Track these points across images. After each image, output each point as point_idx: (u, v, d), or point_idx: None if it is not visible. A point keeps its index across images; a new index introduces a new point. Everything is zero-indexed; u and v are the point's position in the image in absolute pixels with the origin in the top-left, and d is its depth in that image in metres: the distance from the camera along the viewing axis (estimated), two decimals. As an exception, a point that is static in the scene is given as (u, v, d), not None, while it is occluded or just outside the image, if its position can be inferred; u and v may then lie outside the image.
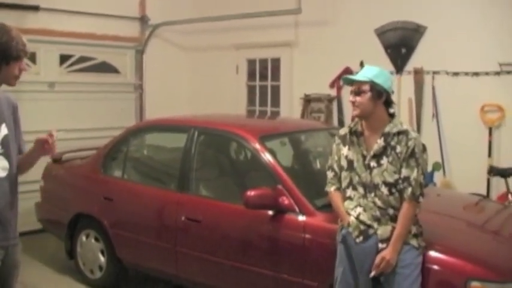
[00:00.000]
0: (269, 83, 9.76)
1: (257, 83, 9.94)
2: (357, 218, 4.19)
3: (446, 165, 7.58)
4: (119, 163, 6.67)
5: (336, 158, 4.44)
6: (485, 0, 7.26)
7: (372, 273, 4.08)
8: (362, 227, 4.17)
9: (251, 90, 10.05)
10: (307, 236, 4.74)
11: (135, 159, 6.89)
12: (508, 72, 7.10)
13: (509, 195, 6.73)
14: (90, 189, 6.67)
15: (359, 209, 4.21)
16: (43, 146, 3.62)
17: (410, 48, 7.90)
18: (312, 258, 4.73)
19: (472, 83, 7.35)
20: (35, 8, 8.46)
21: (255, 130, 5.80)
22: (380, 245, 4.11)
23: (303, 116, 8.96)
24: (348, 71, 8.26)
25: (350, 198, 4.28)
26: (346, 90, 8.32)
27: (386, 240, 4.10)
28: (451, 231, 4.74)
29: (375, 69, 4.27)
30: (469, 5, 7.37)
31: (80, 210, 6.66)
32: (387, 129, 4.19)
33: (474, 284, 3.96)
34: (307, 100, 8.94)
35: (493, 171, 6.95)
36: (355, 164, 4.27)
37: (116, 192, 6.39)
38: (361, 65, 7.95)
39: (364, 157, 4.24)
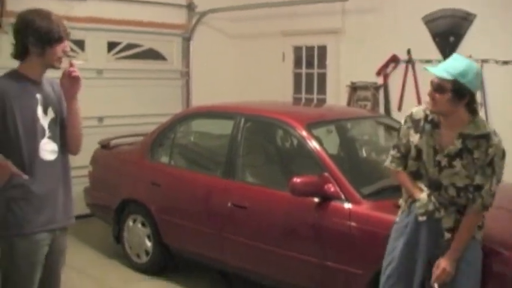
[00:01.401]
0: (315, 70, 9.73)
1: (303, 70, 9.92)
2: (429, 196, 3.94)
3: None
4: (166, 149, 6.72)
5: (404, 140, 4.10)
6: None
7: (436, 286, 3.88)
8: (431, 206, 3.91)
9: (297, 77, 10.02)
10: (353, 223, 4.73)
11: (182, 145, 6.94)
12: (559, 61, 7.00)
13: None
14: (137, 175, 6.74)
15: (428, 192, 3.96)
16: (70, 77, 3.63)
17: (459, 36, 7.80)
18: (358, 246, 4.72)
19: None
20: (84, -3, 8.57)
21: (302, 118, 5.81)
22: (446, 234, 3.91)
23: (349, 103, 8.92)
24: (394, 58, 8.21)
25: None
26: (393, 78, 8.33)
27: (449, 230, 3.90)
28: (503, 223, 4.67)
29: (463, 64, 3.79)
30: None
31: (127, 196, 6.74)
32: (468, 130, 3.83)
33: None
34: (354, 88, 8.89)
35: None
36: (424, 157, 3.96)
37: (163, 178, 6.45)
38: (408, 53, 7.92)
39: (435, 152, 3.92)
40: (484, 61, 7.45)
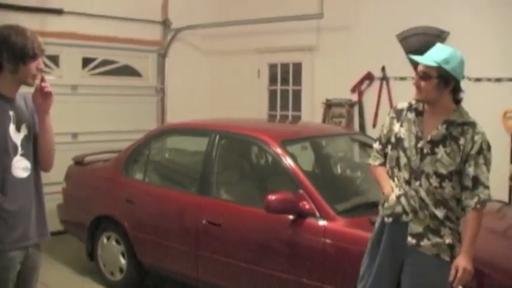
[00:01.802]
0: (290, 87, 9.76)
1: (278, 87, 9.95)
2: (397, 198, 3.97)
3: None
4: (140, 166, 6.70)
5: (385, 131, 4.16)
6: (507, 5, 7.22)
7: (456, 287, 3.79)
8: (398, 209, 3.93)
9: (272, 94, 10.05)
10: (328, 240, 4.73)
11: (157, 162, 6.92)
12: (532, 78, 7.07)
13: (532, 202, 6.69)
14: (111, 191, 6.70)
15: (404, 198, 3.94)
16: (42, 92, 3.60)
17: (433, 54, 7.86)
18: (332, 263, 4.72)
19: (494, 88, 7.30)
20: (59, 12, 8.53)
21: (277, 134, 5.82)
22: (409, 239, 3.90)
23: (324, 120, 8.95)
24: (369, 76, 8.26)
25: (395, 177, 4.04)
26: (368, 95, 8.38)
27: (416, 235, 3.88)
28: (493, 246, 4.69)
29: (447, 51, 3.89)
30: (491, 10, 7.33)
31: (101, 213, 6.69)
32: (452, 117, 3.86)
33: (494, 290, 3.92)
34: (329, 105, 8.93)
35: (515, 177, 6.92)
36: (406, 144, 3.96)
37: (138, 195, 6.42)
38: (383, 70, 7.96)
39: (418, 139, 3.92)
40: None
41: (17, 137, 3.58)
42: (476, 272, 3.95)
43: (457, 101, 3.95)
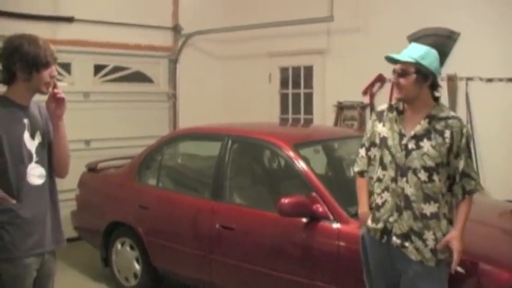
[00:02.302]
0: (302, 90, 9.78)
1: (290, 90, 9.96)
2: (378, 209, 4.08)
3: (480, 172, 7.51)
4: (153, 172, 6.72)
5: (368, 134, 4.29)
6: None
7: (454, 268, 3.86)
8: (370, 223, 4.13)
9: (284, 98, 10.07)
10: (342, 243, 4.73)
11: (170, 167, 6.94)
12: (543, 78, 7.06)
13: (545, 202, 6.66)
14: (125, 197, 6.72)
15: (386, 195, 4.03)
16: (54, 99, 3.63)
17: (444, 55, 7.84)
18: (346, 265, 4.72)
19: (506, 89, 7.30)
20: (70, 20, 8.57)
21: (289, 138, 5.82)
22: (394, 239, 3.98)
23: (336, 123, 8.96)
24: (380, 78, 8.26)
25: (379, 179, 4.10)
26: (379, 98, 8.35)
27: (400, 236, 3.95)
28: (485, 239, 4.71)
29: (422, 49, 4.03)
30: (502, 10, 7.32)
31: (115, 219, 6.71)
32: (433, 112, 3.94)
33: (509, 291, 3.92)
34: (340, 107, 8.93)
35: (529, 177, 6.90)
36: (390, 142, 4.03)
37: (151, 200, 6.43)
38: (394, 72, 7.94)
39: (401, 136, 3.99)
40: (468, 79, 7.52)
41: (31, 144, 3.61)
42: (488, 271, 4.03)
43: (436, 98, 4.05)
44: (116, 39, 9.11)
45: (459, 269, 3.89)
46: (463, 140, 3.88)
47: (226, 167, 5.92)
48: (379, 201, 4.09)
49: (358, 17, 8.68)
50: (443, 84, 7.61)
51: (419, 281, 3.92)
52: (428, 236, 3.90)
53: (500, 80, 7.32)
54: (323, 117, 9.27)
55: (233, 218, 5.61)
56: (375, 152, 4.20)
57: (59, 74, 8.00)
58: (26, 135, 3.58)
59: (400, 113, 4.08)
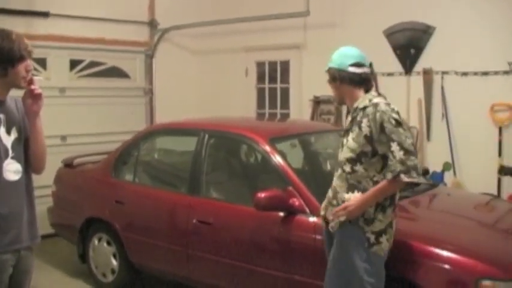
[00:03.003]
0: (278, 85, 9.80)
1: (266, 85, 9.98)
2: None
3: (456, 165, 7.59)
4: (129, 167, 6.70)
5: None
6: (493, 0, 7.27)
7: (329, 218, 4.16)
8: (322, 212, 4.35)
9: (261, 92, 10.08)
10: (318, 237, 4.73)
11: (146, 163, 6.92)
12: (517, 71, 7.12)
13: (520, 195, 6.74)
14: (101, 193, 6.70)
15: (329, 190, 4.29)
16: (31, 95, 3.60)
17: (419, 49, 7.91)
18: (323, 259, 4.72)
19: (481, 82, 7.36)
20: (45, 14, 8.51)
21: (265, 132, 5.82)
22: (331, 225, 4.18)
23: (312, 118, 8.98)
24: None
25: None
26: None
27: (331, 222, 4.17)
28: (461, 231, 4.76)
29: (334, 52, 4.25)
30: (477, 4, 7.38)
31: (91, 215, 6.68)
32: (355, 104, 4.12)
33: (485, 282, 3.96)
34: (317, 102, 8.96)
35: (504, 170, 6.98)
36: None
37: (127, 196, 6.41)
38: (370, 66, 7.96)
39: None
40: (444, 73, 7.57)
41: (7, 139, 3.58)
42: (467, 264, 4.06)
43: (368, 89, 4.17)
44: (91, 34, 9.06)
45: (330, 218, 4.17)
46: (377, 126, 3.92)
47: (202, 161, 5.91)
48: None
49: (334, 12, 8.71)
50: (419, 79, 7.72)
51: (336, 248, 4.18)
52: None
53: (475, 73, 7.39)
54: (300, 111, 9.29)
55: (210, 213, 5.60)
56: None
57: (34, 69, 7.94)
58: (2, 131, 3.55)
59: (348, 113, 4.29)
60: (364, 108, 4.02)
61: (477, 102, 7.35)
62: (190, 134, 6.30)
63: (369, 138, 3.95)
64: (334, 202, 4.13)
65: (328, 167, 6.31)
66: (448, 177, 7.58)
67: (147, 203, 6.23)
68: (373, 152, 3.97)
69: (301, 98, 9.31)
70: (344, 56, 4.18)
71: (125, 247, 6.33)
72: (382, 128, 3.90)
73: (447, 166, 7.55)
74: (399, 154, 3.85)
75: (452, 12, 7.56)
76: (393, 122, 3.90)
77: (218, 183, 6.10)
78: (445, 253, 4.16)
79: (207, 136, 6.00)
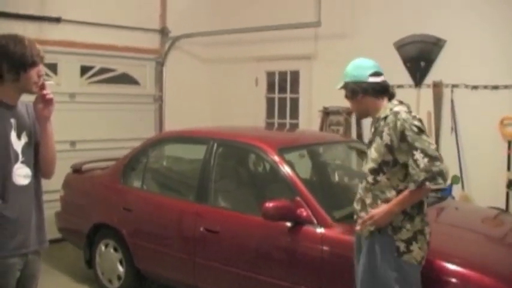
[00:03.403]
0: (288, 95, 9.81)
1: (276, 95, 9.99)
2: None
3: (464, 178, 7.57)
4: (138, 174, 6.71)
5: None
6: (504, 13, 7.27)
7: (357, 228, 4.13)
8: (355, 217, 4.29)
9: (270, 102, 10.09)
10: (325, 247, 4.74)
11: (155, 170, 6.93)
12: (527, 86, 7.12)
13: (528, 209, 6.73)
14: (109, 199, 6.71)
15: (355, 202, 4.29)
16: (42, 100, 3.62)
17: (430, 62, 7.91)
18: (330, 270, 4.73)
19: (491, 96, 7.35)
20: (57, 20, 8.55)
21: (274, 142, 5.83)
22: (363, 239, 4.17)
23: (321, 128, 8.98)
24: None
25: None
26: (365, 103, 8.37)
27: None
28: (469, 245, 4.75)
29: (348, 66, 4.22)
30: (488, 17, 7.38)
31: (99, 220, 6.69)
32: (377, 115, 4.10)
33: (492, 297, 3.95)
34: (326, 113, 8.96)
35: (512, 184, 6.96)
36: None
37: (135, 202, 6.42)
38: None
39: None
40: (454, 86, 7.57)
41: (18, 144, 3.60)
42: (474, 278, 4.05)
43: (390, 97, 4.17)
44: (103, 40, 9.09)
45: (358, 227, 4.14)
46: (398, 135, 3.89)
47: (211, 170, 5.92)
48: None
49: (345, 23, 8.72)
50: (429, 91, 7.71)
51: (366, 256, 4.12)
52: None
53: (485, 87, 7.38)
54: (309, 122, 9.29)
55: (217, 221, 5.60)
56: None
57: (46, 74, 7.96)
58: (13, 135, 3.57)
59: (372, 126, 4.23)
60: (386, 117, 4.01)
61: (486, 115, 7.35)
62: (200, 143, 6.30)
63: (389, 147, 3.93)
64: (363, 214, 4.11)
65: (337, 178, 6.32)
66: (456, 190, 7.57)
67: (155, 210, 6.23)
68: (394, 161, 3.96)
69: (310, 108, 9.31)
70: (360, 67, 4.17)
71: (132, 254, 6.33)
72: (403, 137, 3.88)
73: (455, 179, 7.53)
74: (423, 161, 3.80)
75: (463, 25, 7.56)
76: (415, 129, 3.88)
77: (226, 191, 6.11)
78: (452, 267, 4.15)
79: (216, 145, 6.00)
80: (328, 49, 8.93)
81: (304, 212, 4.95)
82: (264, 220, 4.97)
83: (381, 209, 3.97)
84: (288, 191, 5.22)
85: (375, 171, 4.02)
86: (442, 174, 3.81)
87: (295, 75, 9.69)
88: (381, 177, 4.00)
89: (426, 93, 7.92)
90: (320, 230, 4.84)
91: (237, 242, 5.44)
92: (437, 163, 3.81)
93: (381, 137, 3.98)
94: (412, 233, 4.00)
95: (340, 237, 4.74)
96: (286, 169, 5.37)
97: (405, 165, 3.93)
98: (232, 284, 5.47)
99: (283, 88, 9.91)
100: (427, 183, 3.80)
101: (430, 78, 7.92)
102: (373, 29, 8.40)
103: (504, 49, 7.26)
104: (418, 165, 3.81)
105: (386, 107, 4.08)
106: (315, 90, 9.24)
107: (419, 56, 7.98)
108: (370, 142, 4.11)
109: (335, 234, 4.77)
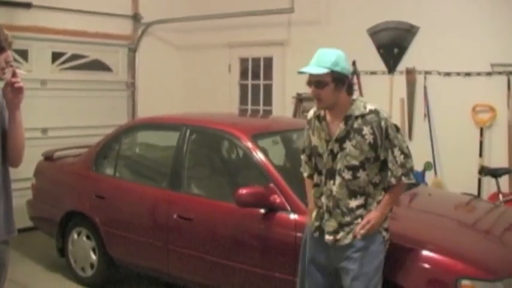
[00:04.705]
0: (261, 82, 9.79)
1: (249, 81, 9.97)
2: (318, 210, 4.22)
3: (437, 164, 7.61)
4: (110, 161, 6.66)
5: (307, 142, 4.37)
6: (476, 1, 7.30)
7: (358, 236, 4.02)
8: (317, 222, 4.20)
9: (243, 89, 10.07)
10: (299, 234, 4.72)
11: (127, 157, 6.89)
12: (500, 73, 7.15)
13: (500, 195, 6.77)
14: (81, 187, 6.65)
15: (323, 198, 4.16)
16: (13, 87, 3.54)
17: (403, 48, 7.93)
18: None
19: (463, 83, 7.39)
20: (27, 5, 8.43)
21: (247, 129, 5.81)
22: (327, 237, 4.10)
23: (295, 115, 8.97)
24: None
25: (317, 185, 4.25)
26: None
27: (332, 233, 4.08)
28: (442, 230, 4.77)
29: (332, 55, 4.04)
30: (461, 5, 7.41)
31: (71, 208, 6.64)
32: (349, 112, 4.03)
33: (464, 282, 3.96)
34: (300, 99, 8.95)
35: (484, 171, 7.00)
36: (320, 150, 4.16)
37: (108, 190, 6.38)
38: (354, 64, 7.97)
39: (327, 142, 4.10)
40: (427, 73, 7.60)
41: (-16, 131, 3.54)
42: (447, 264, 4.08)
43: (351, 95, 4.14)
44: (74, 26, 9.00)
45: (359, 235, 4.01)
46: (383, 133, 3.98)
47: (184, 157, 5.89)
48: (319, 204, 4.22)
49: (318, 9, 8.71)
50: (402, 78, 7.74)
51: (360, 259, 4.04)
52: (357, 223, 4.06)
53: (458, 74, 7.42)
54: (282, 108, 9.28)
55: (191, 209, 5.59)
56: (313, 160, 4.31)
57: (16, 61, 7.87)
58: (-21, 122, 3.52)
59: (323, 119, 4.17)
60: (362, 115, 4.01)
61: (459, 102, 7.38)
62: (172, 129, 6.27)
63: (373, 146, 3.98)
64: (338, 211, 4.07)
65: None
66: (428, 176, 7.60)
67: (128, 197, 6.20)
68: (376, 158, 4.02)
69: (284, 95, 9.30)
70: (345, 60, 4.12)
71: (105, 241, 6.29)
72: (386, 135, 3.99)
73: (428, 165, 7.57)
74: (400, 158, 4.01)
75: (436, 13, 7.58)
76: (394, 128, 4.04)
77: (199, 178, 6.09)
78: (425, 252, 4.17)
79: (188, 131, 5.97)
80: (302, 35, 8.91)
81: (277, 199, 4.94)
82: (237, 207, 4.97)
83: (377, 213, 4.02)
84: (261, 177, 5.21)
85: (354, 168, 4.01)
86: (412, 170, 4.11)
87: (268, 61, 9.67)
88: (361, 173, 4.01)
89: (399, 80, 7.94)
90: (293, 217, 4.84)
91: (211, 229, 5.42)
92: (410, 160, 4.08)
93: (362, 136, 3.98)
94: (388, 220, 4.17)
95: (314, 224, 4.74)
96: (259, 155, 5.36)
97: (384, 161, 4.03)
98: (206, 271, 5.46)
99: (256, 74, 9.89)
100: (403, 178, 4.01)
101: (403, 65, 7.94)
102: (346, 15, 8.40)
103: (476, 36, 7.29)
104: (396, 162, 4.00)
105: (357, 104, 4.07)
106: (289, 76, 9.23)
107: (393, 43, 8.00)
108: (343, 138, 4.03)
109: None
